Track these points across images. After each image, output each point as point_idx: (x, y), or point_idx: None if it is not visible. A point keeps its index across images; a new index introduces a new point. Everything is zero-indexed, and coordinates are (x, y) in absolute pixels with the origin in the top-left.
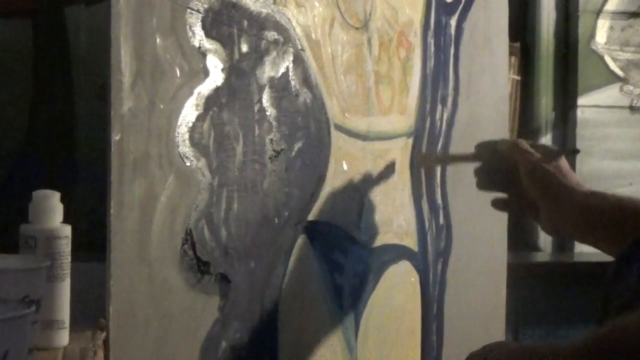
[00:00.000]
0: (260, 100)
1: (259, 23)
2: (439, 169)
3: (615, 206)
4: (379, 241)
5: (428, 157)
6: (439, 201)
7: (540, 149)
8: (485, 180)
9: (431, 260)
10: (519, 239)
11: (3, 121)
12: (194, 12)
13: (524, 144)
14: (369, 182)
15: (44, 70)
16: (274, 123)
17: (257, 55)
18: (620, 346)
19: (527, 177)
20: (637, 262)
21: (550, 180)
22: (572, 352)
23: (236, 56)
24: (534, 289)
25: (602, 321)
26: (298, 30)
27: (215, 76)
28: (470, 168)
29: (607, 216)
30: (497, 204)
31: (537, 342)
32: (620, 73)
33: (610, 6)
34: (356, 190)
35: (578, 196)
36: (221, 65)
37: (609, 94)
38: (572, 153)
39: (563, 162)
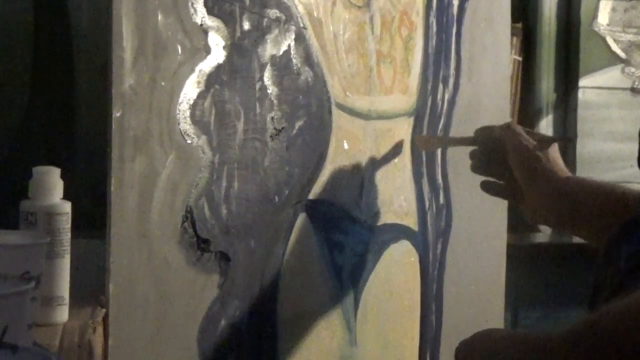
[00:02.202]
0: (261, 78)
1: (261, 1)
2: (439, 150)
3: (595, 192)
4: (379, 220)
5: (427, 140)
6: (440, 181)
7: (534, 135)
8: (480, 164)
9: (431, 240)
10: (519, 220)
11: (3, 97)
12: None
13: (518, 128)
14: (370, 161)
15: (45, 46)
16: (275, 101)
17: (259, 33)
18: (608, 334)
19: (514, 161)
20: (626, 245)
21: (536, 165)
22: (561, 341)
23: (238, 34)
24: (533, 270)
25: (593, 306)
26: (300, 8)
27: (217, 54)
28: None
29: (588, 202)
30: (487, 187)
31: (527, 330)
32: (622, 55)
33: None
34: (357, 169)
35: (560, 182)
36: (223, 43)
37: (611, 76)
38: (564, 140)
39: (554, 149)
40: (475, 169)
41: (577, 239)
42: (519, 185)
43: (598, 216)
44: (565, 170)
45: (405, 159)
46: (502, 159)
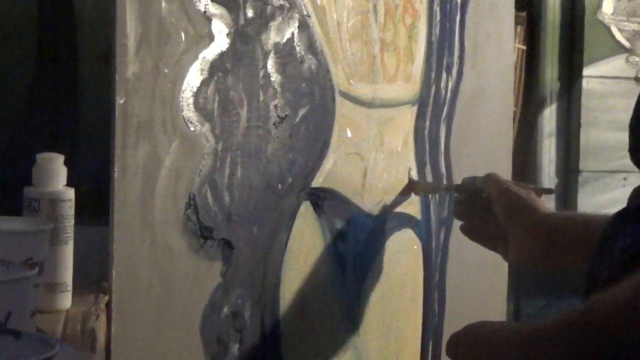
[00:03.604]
0: (265, 66)
1: None
2: (442, 139)
3: (581, 222)
4: (382, 209)
5: (416, 185)
6: (443, 170)
7: (518, 184)
8: (461, 210)
9: (434, 229)
10: None
11: (7, 83)
12: None
13: (498, 175)
14: (373, 149)
15: (48, 33)
16: (279, 89)
17: (263, 21)
18: (597, 325)
19: (499, 204)
20: (621, 237)
21: (518, 202)
22: (550, 332)
23: (241, 21)
24: None
25: (587, 296)
26: None
27: (220, 41)
28: (477, 131)
29: (574, 231)
30: (466, 231)
31: (517, 322)
32: (626, 44)
33: None
34: (360, 157)
35: (545, 216)
36: (226, 30)
37: (615, 65)
38: (546, 192)
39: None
40: (457, 215)
41: None
42: (500, 231)
43: (585, 245)
44: (548, 209)
45: (408, 147)
46: (484, 207)
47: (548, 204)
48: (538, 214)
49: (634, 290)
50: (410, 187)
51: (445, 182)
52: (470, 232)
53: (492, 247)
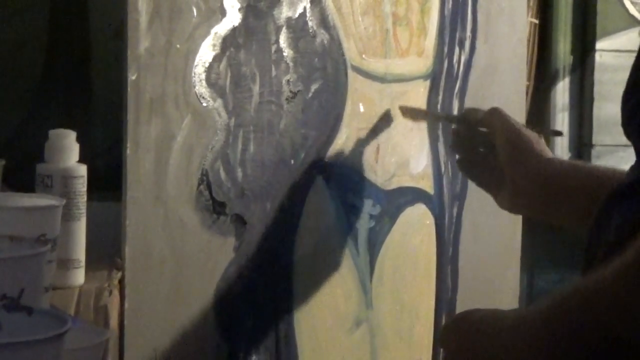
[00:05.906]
0: (277, 41)
1: None
2: (455, 113)
3: (587, 172)
4: (395, 183)
5: (412, 111)
6: None
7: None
8: (460, 142)
9: (447, 203)
10: None
11: (19, 61)
12: None
13: (504, 111)
14: (385, 124)
15: (61, 9)
16: (291, 64)
17: None
18: (577, 313)
19: (502, 139)
20: (616, 215)
21: (523, 143)
22: (534, 319)
23: None
24: (549, 232)
25: (585, 273)
26: None
27: (233, 16)
28: (489, 106)
29: (580, 181)
30: (462, 166)
31: (505, 310)
32: (639, 17)
33: None
34: (373, 132)
35: (550, 162)
36: (238, 5)
37: (628, 38)
38: (554, 134)
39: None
40: (455, 146)
41: None
42: (498, 170)
43: (590, 197)
44: (552, 154)
45: (421, 122)
46: (484, 142)
47: None
48: (542, 158)
49: (618, 273)
50: (404, 114)
51: (457, 157)
52: (466, 166)
53: (486, 186)
